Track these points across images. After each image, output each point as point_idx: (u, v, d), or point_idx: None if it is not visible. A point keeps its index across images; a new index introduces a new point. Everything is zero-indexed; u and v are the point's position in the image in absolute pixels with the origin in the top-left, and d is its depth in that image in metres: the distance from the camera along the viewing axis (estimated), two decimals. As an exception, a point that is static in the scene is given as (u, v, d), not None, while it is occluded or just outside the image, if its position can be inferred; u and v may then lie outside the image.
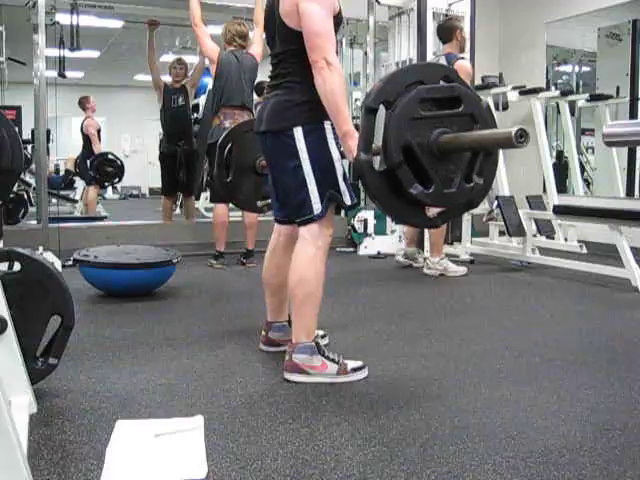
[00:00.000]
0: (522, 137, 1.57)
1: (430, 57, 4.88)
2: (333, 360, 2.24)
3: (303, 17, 2.08)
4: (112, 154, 7.78)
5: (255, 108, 4.57)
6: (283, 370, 2.23)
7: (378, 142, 1.82)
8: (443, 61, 4.34)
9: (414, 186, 1.74)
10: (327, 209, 2.20)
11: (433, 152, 1.76)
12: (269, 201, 2.99)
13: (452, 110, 1.80)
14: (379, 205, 1.83)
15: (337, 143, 2.21)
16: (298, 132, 2.16)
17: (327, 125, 2.19)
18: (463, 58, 4.53)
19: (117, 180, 7.71)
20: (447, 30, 4.45)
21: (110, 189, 10.22)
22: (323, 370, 2.21)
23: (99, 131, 8.00)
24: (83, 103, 7.90)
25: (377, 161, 1.83)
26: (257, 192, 3.00)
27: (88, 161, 7.66)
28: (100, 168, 7.46)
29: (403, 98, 1.76)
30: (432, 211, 1.87)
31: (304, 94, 2.16)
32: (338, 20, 2.17)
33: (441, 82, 1.87)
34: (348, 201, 2.21)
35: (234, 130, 3.00)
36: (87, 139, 7.84)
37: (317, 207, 2.19)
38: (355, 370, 2.25)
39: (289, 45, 2.19)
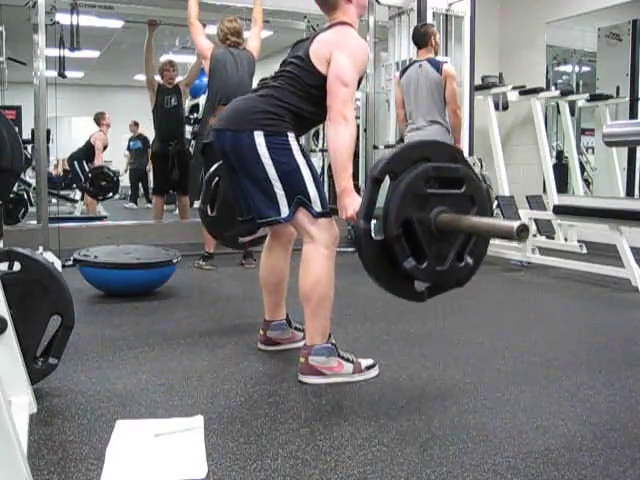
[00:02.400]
0: (523, 232, 1.60)
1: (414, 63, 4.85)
2: (348, 360, 2.24)
3: (334, 65, 2.10)
4: (108, 168, 7.86)
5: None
6: (298, 373, 2.22)
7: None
8: (427, 66, 4.36)
9: (408, 260, 1.77)
10: (294, 213, 2.17)
11: (431, 229, 1.80)
12: (255, 236, 2.98)
13: (454, 190, 1.84)
14: (370, 274, 1.86)
15: (302, 151, 2.19)
16: (259, 137, 2.13)
17: (290, 136, 2.17)
18: (447, 62, 4.58)
19: (111, 195, 7.76)
20: (424, 35, 4.48)
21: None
22: (339, 370, 2.21)
23: (105, 147, 8.11)
24: (99, 119, 8.12)
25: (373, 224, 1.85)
26: (240, 229, 3.00)
27: (83, 164, 7.77)
28: (95, 182, 7.51)
29: (409, 173, 1.79)
30: (420, 286, 1.89)
31: (275, 108, 2.15)
32: (359, 79, 2.20)
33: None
34: (318, 208, 2.18)
35: (221, 166, 2.98)
36: (90, 147, 7.94)
37: (285, 210, 2.16)
38: (368, 368, 2.27)
39: (300, 73, 2.18)
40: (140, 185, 10.88)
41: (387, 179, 1.81)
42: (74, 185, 8.39)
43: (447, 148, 1.94)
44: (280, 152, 2.15)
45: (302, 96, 2.18)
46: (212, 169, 2.92)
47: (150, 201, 9.83)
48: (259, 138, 2.13)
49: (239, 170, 2.22)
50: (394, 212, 1.76)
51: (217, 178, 2.87)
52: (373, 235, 1.79)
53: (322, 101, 2.16)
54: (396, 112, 4.81)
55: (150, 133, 5.76)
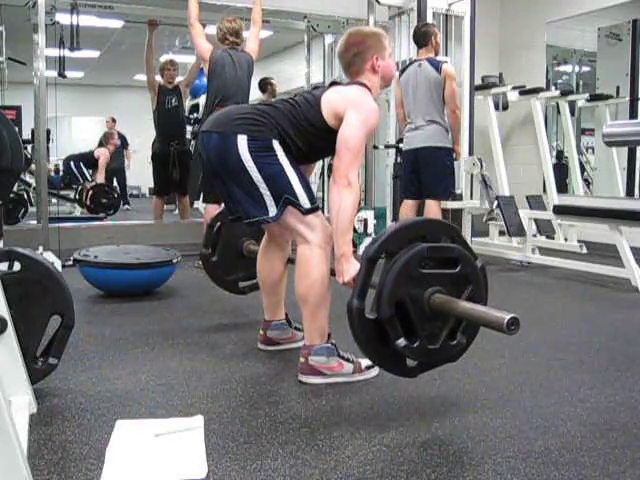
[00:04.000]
0: (513, 326, 1.61)
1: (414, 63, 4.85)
2: (348, 359, 2.25)
3: (346, 126, 2.11)
4: (109, 186, 7.89)
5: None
6: (298, 373, 2.22)
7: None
8: (427, 65, 4.36)
9: (400, 340, 1.78)
10: (282, 213, 2.17)
11: (424, 309, 1.80)
12: (248, 283, 2.99)
13: (448, 270, 1.84)
14: (363, 350, 1.87)
15: (287, 155, 2.17)
16: (243, 140, 2.12)
17: (275, 143, 2.15)
18: (446, 62, 4.58)
19: (112, 212, 7.77)
20: (424, 35, 4.48)
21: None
22: (340, 370, 2.22)
23: (107, 164, 8.19)
24: (107, 140, 8.23)
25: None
26: (239, 274, 3.02)
27: (80, 165, 7.82)
28: (96, 198, 7.52)
29: (404, 253, 1.79)
30: (411, 364, 1.90)
31: (265, 119, 2.15)
32: None
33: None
34: (307, 204, 2.17)
35: (224, 211, 3.00)
36: (92, 157, 7.99)
37: (273, 210, 2.16)
38: (368, 368, 2.27)
39: (304, 112, 2.18)
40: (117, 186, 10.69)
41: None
42: (73, 186, 8.41)
43: (444, 227, 1.95)
44: (263, 155, 2.13)
45: (294, 124, 2.17)
46: (214, 215, 2.96)
47: (127, 203, 9.79)
48: (242, 141, 2.12)
49: (224, 173, 2.20)
50: (387, 293, 1.76)
51: (219, 223, 2.90)
52: (366, 314, 1.79)
53: (311, 140, 2.19)
54: (396, 111, 4.81)
55: (152, 133, 5.74)
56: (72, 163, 8.24)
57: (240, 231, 2.86)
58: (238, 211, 2.26)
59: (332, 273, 2.18)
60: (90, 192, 7.55)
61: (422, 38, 4.49)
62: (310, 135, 2.19)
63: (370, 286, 1.81)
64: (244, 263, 2.95)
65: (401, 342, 1.77)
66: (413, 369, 1.91)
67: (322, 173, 6.84)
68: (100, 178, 7.98)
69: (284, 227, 2.28)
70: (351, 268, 2.05)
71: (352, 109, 2.13)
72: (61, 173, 9.68)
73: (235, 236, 2.94)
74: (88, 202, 7.49)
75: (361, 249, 5.35)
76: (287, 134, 2.17)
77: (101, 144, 8.36)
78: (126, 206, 9.81)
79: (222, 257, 2.96)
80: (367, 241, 5.38)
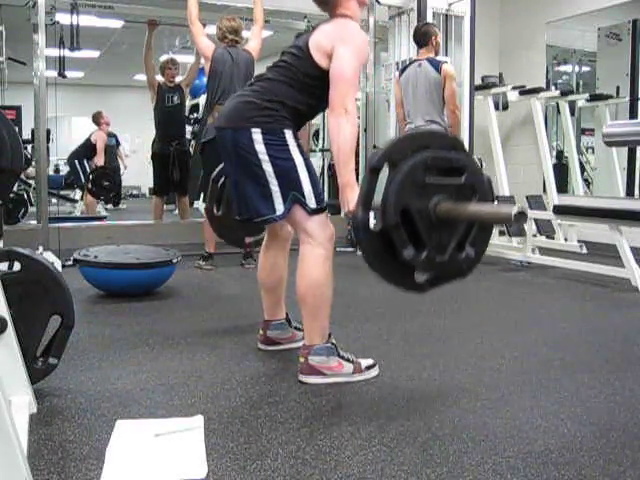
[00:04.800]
0: (521, 217, 1.60)
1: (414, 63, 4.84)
2: (348, 360, 2.24)
3: (337, 60, 2.10)
4: (110, 168, 7.85)
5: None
6: (298, 373, 2.22)
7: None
8: (427, 65, 4.36)
9: (407, 249, 1.75)
10: (289, 211, 2.18)
11: (430, 218, 1.77)
12: (259, 237, 2.98)
13: (454, 179, 1.82)
14: (369, 264, 1.83)
15: (299, 148, 2.19)
16: (257, 134, 2.13)
17: (287, 132, 2.17)
18: (446, 62, 4.57)
19: (112, 195, 7.74)
20: (424, 35, 4.48)
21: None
22: (339, 370, 2.21)
23: (106, 146, 8.12)
24: (97, 118, 8.12)
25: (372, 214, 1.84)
26: (243, 228, 3.00)
27: (84, 163, 7.78)
28: (97, 181, 7.52)
29: (408, 162, 1.77)
30: (420, 277, 1.87)
31: (271, 103, 2.16)
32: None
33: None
34: (313, 205, 2.18)
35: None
36: (90, 145, 7.96)
37: (280, 208, 2.17)
38: (368, 368, 2.27)
39: (299, 64, 2.18)
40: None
41: (386, 169, 1.80)
42: (76, 185, 8.40)
43: (447, 137, 1.92)
44: (277, 149, 2.15)
45: (296, 87, 2.17)
46: (218, 168, 2.93)
47: (117, 204, 9.70)
48: (256, 135, 2.13)
49: (238, 168, 2.23)
50: (393, 200, 1.73)
51: (223, 177, 2.87)
52: (372, 225, 1.77)
53: (316, 92, 2.17)
54: (396, 111, 4.81)
55: (152, 133, 5.74)
56: (76, 161, 8.22)
57: None
58: (249, 210, 2.27)
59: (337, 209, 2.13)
60: (91, 176, 7.55)
61: (422, 38, 4.49)
62: (313, 87, 2.17)
63: (375, 207, 1.78)
64: None
65: (409, 251, 1.74)
66: (422, 285, 1.87)
67: (322, 173, 6.85)
68: (100, 161, 7.95)
69: (290, 224, 2.29)
70: (356, 196, 2.04)
71: (339, 43, 2.11)
72: (62, 172, 9.69)
73: None
74: (90, 186, 7.49)
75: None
76: (294, 100, 2.17)
77: (96, 123, 8.26)
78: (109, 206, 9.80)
79: (227, 212, 2.93)
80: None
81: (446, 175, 1.81)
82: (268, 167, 2.14)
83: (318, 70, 2.15)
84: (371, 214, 1.80)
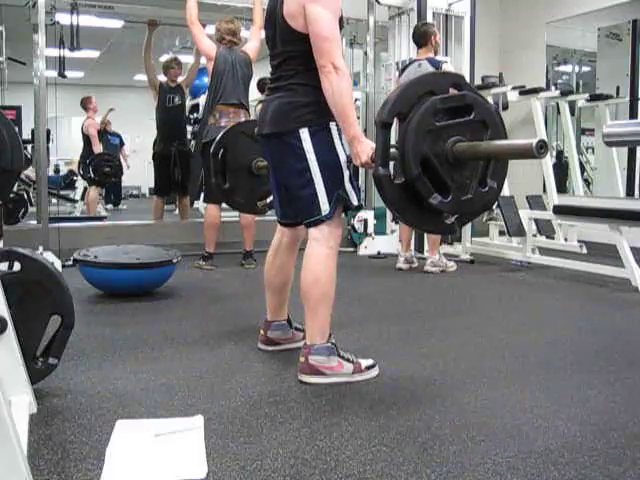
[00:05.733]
0: (542, 148, 1.59)
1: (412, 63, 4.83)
2: (348, 359, 2.24)
3: (310, 21, 2.07)
4: (108, 154, 7.79)
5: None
6: (298, 372, 2.22)
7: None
8: (426, 65, 4.36)
9: (433, 196, 1.77)
10: (335, 210, 2.19)
11: (449, 161, 1.79)
12: (268, 201, 2.98)
13: (464, 118, 1.82)
14: (399, 216, 1.88)
15: (343, 144, 2.20)
16: (304, 133, 2.15)
17: (333, 126, 2.18)
18: (446, 62, 4.58)
19: (115, 179, 7.69)
20: (424, 35, 4.49)
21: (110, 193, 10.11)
22: (339, 370, 2.21)
23: (99, 132, 8.00)
24: (85, 103, 7.94)
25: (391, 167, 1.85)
26: (256, 194, 3.00)
27: (87, 161, 7.70)
28: (98, 169, 7.49)
29: (417, 110, 1.78)
30: (450, 218, 1.89)
31: (308, 96, 2.16)
32: (341, 24, 2.16)
33: (451, 90, 1.89)
34: (355, 201, 2.22)
35: (225, 136, 2.96)
36: (87, 139, 7.87)
37: (325, 208, 2.18)
38: (368, 368, 2.27)
39: (291, 46, 2.17)
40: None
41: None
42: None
43: (448, 77, 1.93)
44: (323, 145, 2.16)
45: (310, 67, 2.11)
46: (216, 140, 2.92)
47: (117, 204, 9.67)
48: (305, 135, 2.15)
49: (284, 171, 2.25)
50: (410, 152, 1.75)
51: (222, 150, 2.87)
52: (395, 180, 1.78)
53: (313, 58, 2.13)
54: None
55: (152, 133, 5.74)
56: (82, 166, 8.16)
57: (245, 151, 2.84)
58: (297, 215, 2.29)
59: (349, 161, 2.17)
60: (91, 165, 7.52)
61: (421, 38, 4.49)
62: (310, 53, 2.11)
63: (391, 158, 1.78)
64: (258, 181, 2.90)
65: (435, 198, 1.76)
66: (452, 224, 1.90)
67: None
68: (97, 149, 7.90)
69: None
70: (366, 147, 2.05)
71: (308, 3, 2.06)
72: (61, 173, 9.67)
73: (241, 157, 2.89)
74: (92, 174, 7.46)
75: (361, 249, 5.36)
76: (318, 79, 2.09)
77: (85, 109, 8.16)
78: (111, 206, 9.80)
79: (234, 182, 2.91)
80: (367, 241, 5.39)
81: (456, 114, 1.82)
82: (314, 164, 2.15)
83: (305, 38, 2.10)
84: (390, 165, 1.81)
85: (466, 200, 1.82)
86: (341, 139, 2.20)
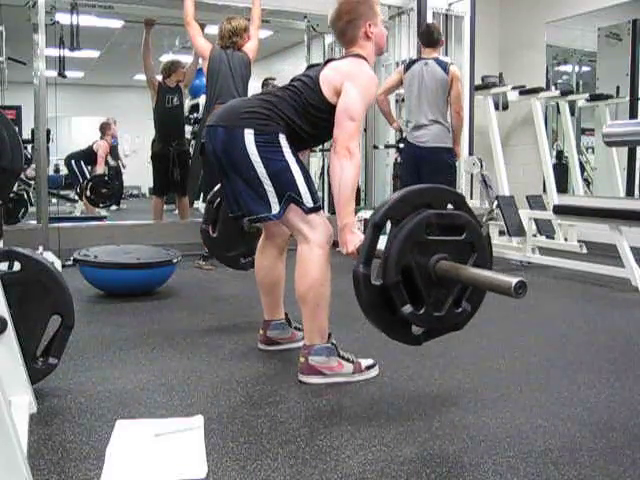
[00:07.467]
0: (521, 289, 1.57)
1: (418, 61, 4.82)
2: (348, 359, 2.25)
3: (344, 97, 2.11)
4: (109, 176, 7.87)
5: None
6: (298, 372, 2.22)
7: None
8: (434, 65, 4.34)
9: (406, 306, 1.77)
10: (285, 210, 2.16)
11: (430, 276, 1.80)
12: (250, 259, 2.97)
13: (454, 237, 1.84)
14: (368, 318, 1.86)
15: (293, 152, 2.18)
16: (250, 135, 2.12)
17: (282, 137, 2.16)
18: (453, 64, 4.57)
19: (112, 202, 7.74)
20: (438, 41, 4.46)
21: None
22: (340, 370, 2.22)
23: (107, 154, 8.18)
24: (105, 129, 8.20)
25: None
26: (241, 250, 3.00)
27: (81, 164, 7.83)
28: (96, 189, 7.53)
29: (410, 219, 1.79)
30: (417, 331, 1.89)
31: (271, 112, 2.15)
32: None
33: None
34: (309, 204, 2.17)
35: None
36: (92, 152, 8.00)
37: (275, 207, 2.15)
38: (368, 368, 2.27)
39: (306, 96, 2.18)
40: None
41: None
42: (74, 186, 8.40)
43: (448, 194, 1.94)
44: (269, 150, 2.14)
45: (299, 111, 2.18)
46: (214, 190, 2.94)
47: (117, 204, 9.67)
48: (249, 136, 2.12)
49: (229, 168, 2.20)
50: (394, 258, 1.76)
51: (218, 199, 2.88)
52: (372, 281, 1.79)
53: (320, 124, 2.19)
54: (378, 98, 4.45)
55: (152, 133, 5.73)
56: (73, 162, 8.23)
57: None
58: (241, 208, 2.26)
59: (335, 244, 2.18)
60: (90, 184, 7.56)
61: (436, 38, 4.43)
62: (317, 119, 2.19)
63: (375, 256, 1.80)
64: (245, 239, 2.92)
65: (407, 308, 1.76)
66: (418, 337, 1.89)
67: (322, 173, 6.84)
68: (100, 170, 7.97)
69: (285, 225, 2.28)
70: (355, 238, 2.06)
71: (349, 81, 2.12)
72: (61, 173, 9.68)
73: None
74: (89, 193, 7.51)
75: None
76: (294, 122, 2.17)
77: (102, 132, 8.34)
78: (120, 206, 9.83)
79: (222, 233, 2.93)
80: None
81: (447, 232, 1.83)
82: (261, 168, 2.13)
83: (325, 104, 2.16)
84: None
85: (438, 317, 1.82)
86: (290, 147, 2.17)
